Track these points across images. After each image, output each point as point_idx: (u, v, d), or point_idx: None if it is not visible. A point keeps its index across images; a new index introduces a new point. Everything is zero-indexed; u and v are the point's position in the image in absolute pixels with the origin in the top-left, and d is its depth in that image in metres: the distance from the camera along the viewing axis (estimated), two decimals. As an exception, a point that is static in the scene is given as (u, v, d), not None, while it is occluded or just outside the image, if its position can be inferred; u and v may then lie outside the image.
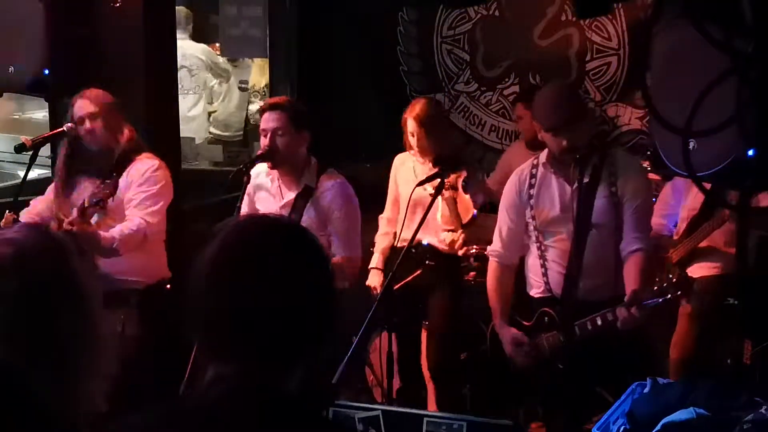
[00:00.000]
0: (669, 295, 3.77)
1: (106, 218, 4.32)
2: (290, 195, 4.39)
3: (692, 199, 4.90)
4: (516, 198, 4.17)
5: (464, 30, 6.44)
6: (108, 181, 4.17)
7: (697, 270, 4.87)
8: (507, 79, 6.36)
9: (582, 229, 3.99)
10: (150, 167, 4.38)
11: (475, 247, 5.48)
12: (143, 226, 4.29)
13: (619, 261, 4.03)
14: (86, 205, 4.11)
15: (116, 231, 4.25)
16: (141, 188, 4.34)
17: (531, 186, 4.12)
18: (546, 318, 4.10)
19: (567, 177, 4.03)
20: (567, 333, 3.95)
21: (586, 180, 4.01)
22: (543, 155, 4.11)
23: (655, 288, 3.80)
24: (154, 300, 4.42)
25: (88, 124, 4.37)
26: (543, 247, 4.13)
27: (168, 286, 4.50)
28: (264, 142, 4.30)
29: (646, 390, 3.39)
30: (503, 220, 4.24)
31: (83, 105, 4.39)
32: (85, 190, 4.41)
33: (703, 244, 4.92)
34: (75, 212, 4.15)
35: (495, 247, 4.27)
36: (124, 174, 4.36)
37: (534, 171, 4.14)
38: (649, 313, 3.81)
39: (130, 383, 4.13)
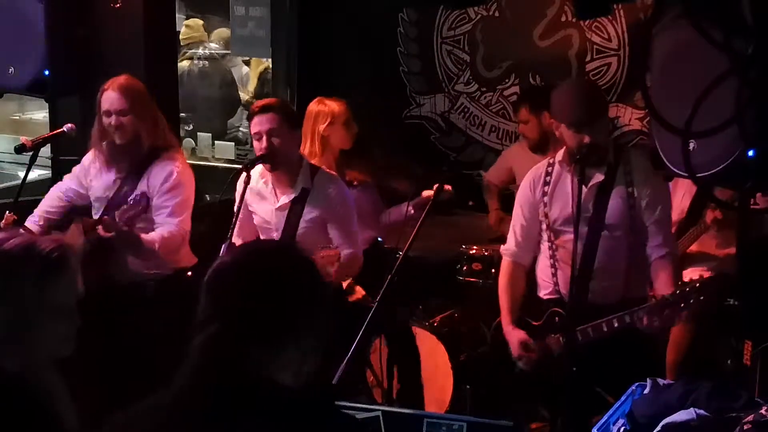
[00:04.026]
0: (692, 300, 3.72)
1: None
2: (285, 198, 4.37)
3: (679, 202, 4.90)
4: (530, 195, 4.15)
5: (464, 31, 6.44)
6: (138, 198, 4.16)
7: (690, 273, 4.87)
8: (507, 80, 6.36)
9: (594, 228, 3.97)
10: (172, 172, 4.34)
11: (474, 247, 5.48)
12: (183, 233, 4.33)
13: (632, 264, 4.01)
14: (117, 220, 4.13)
15: (157, 235, 4.26)
16: (168, 195, 4.32)
17: (546, 184, 4.11)
18: (556, 318, 4.07)
19: (582, 176, 4.00)
20: (580, 334, 3.89)
21: (601, 179, 3.99)
22: (559, 154, 4.09)
23: (678, 292, 3.76)
24: (171, 289, 4.43)
25: (114, 120, 4.32)
26: (554, 247, 4.10)
27: (189, 273, 4.51)
28: (260, 144, 4.27)
29: (646, 391, 3.38)
30: (517, 218, 4.21)
31: (112, 98, 4.31)
32: (106, 179, 4.43)
33: (694, 247, 4.91)
34: (113, 218, 4.15)
35: (509, 245, 4.25)
36: (145, 174, 4.35)
37: (549, 169, 4.12)
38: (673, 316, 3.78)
39: (148, 372, 4.19)
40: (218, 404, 1.83)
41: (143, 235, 4.23)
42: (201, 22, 7.79)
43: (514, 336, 4.12)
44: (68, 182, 4.62)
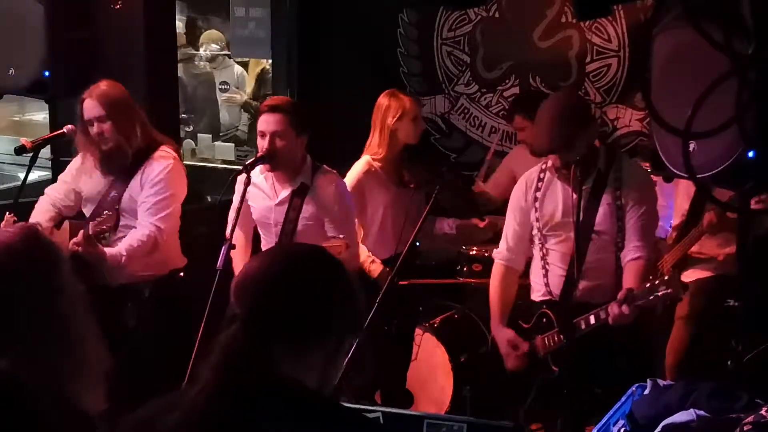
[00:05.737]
0: (659, 293, 3.73)
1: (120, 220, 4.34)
2: (284, 192, 4.38)
3: (680, 203, 4.91)
4: (522, 200, 4.20)
5: (464, 32, 6.44)
6: (109, 213, 4.20)
7: (690, 274, 4.87)
8: (507, 81, 6.36)
9: (583, 234, 4.00)
10: (163, 168, 4.37)
11: (474, 248, 5.49)
12: (153, 234, 4.30)
13: (619, 265, 4.03)
14: (89, 233, 4.15)
15: (124, 246, 4.26)
16: (153, 190, 4.33)
17: (537, 189, 4.16)
18: (544, 319, 4.11)
19: (571, 182, 4.03)
20: (565, 332, 3.95)
21: (590, 185, 4.02)
22: (551, 160, 4.12)
23: (647, 285, 3.79)
24: (166, 290, 4.45)
25: (96, 128, 4.35)
26: (545, 251, 4.16)
27: (181, 274, 4.53)
28: (263, 143, 4.27)
29: (646, 391, 3.39)
30: (510, 223, 4.26)
31: (91, 106, 4.34)
32: (97, 185, 4.44)
33: (694, 248, 4.92)
34: (80, 235, 4.16)
35: (501, 249, 4.29)
36: (138, 173, 4.37)
37: (542, 175, 4.18)
38: (639, 311, 3.79)
39: (143, 373, 4.20)
40: (238, 403, 1.83)
41: (109, 251, 4.22)
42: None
43: (503, 335, 4.18)
44: (55, 194, 4.61)
